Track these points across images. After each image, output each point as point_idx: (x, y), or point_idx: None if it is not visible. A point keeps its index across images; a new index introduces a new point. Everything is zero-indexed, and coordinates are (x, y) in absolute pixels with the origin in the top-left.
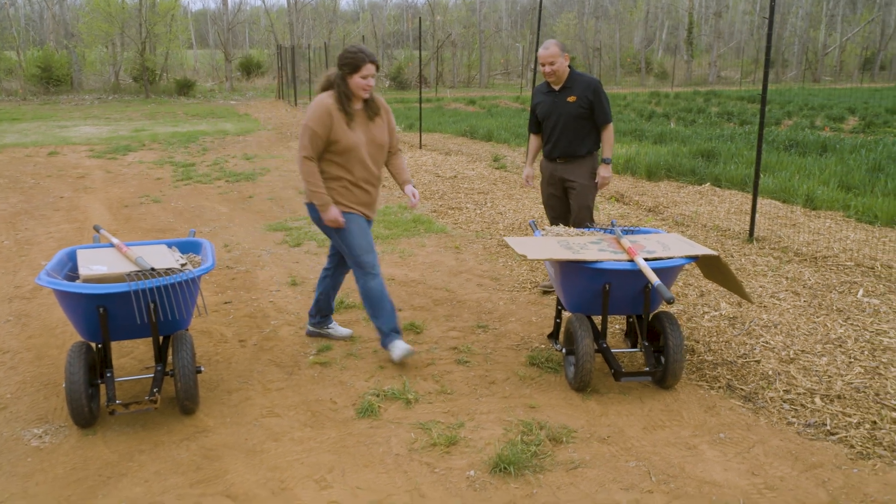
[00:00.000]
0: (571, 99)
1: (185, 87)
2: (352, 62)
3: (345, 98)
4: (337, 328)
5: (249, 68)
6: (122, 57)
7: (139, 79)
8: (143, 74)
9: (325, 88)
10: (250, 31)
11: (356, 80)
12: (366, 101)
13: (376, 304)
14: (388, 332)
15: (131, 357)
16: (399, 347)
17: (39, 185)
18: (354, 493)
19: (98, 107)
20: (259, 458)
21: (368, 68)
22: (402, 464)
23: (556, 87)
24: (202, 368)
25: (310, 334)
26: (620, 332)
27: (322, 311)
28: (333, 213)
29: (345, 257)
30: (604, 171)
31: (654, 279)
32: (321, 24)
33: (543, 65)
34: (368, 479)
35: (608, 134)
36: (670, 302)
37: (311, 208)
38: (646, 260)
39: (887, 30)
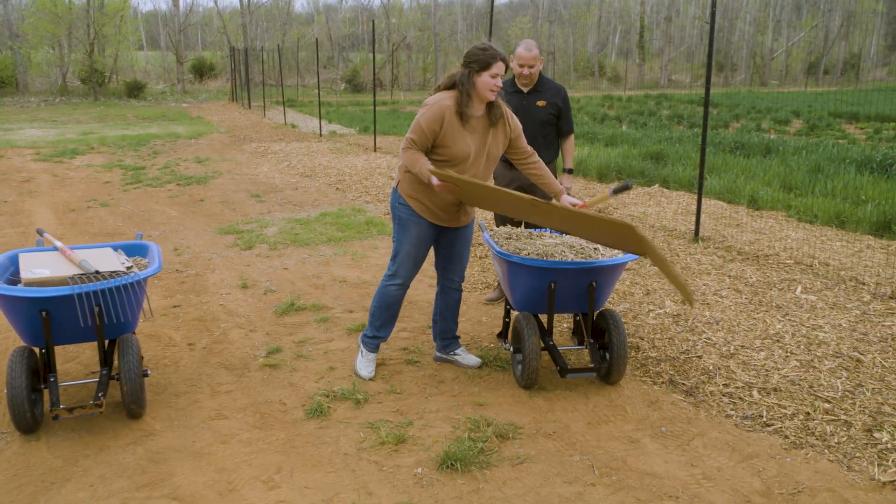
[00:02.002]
0: (541, 103)
1: (135, 90)
2: (482, 59)
3: (466, 98)
4: (465, 356)
5: (202, 70)
6: (69, 58)
7: (87, 81)
8: (92, 76)
9: (446, 87)
10: (203, 32)
11: (484, 80)
12: (489, 107)
13: (380, 307)
14: (370, 337)
15: (76, 362)
16: (363, 365)
17: None
18: (302, 493)
19: (44, 109)
20: (206, 460)
21: (499, 66)
22: (351, 463)
23: (525, 89)
24: (149, 372)
25: (436, 359)
26: (568, 331)
27: (443, 334)
28: (434, 182)
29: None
30: (566, 181)
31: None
32: (275, 26)
33: (522, 66)
34: (316, 479)
35: (571, 143)
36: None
37: (394, 192)
38: (593, 258)
39: (830, 35)
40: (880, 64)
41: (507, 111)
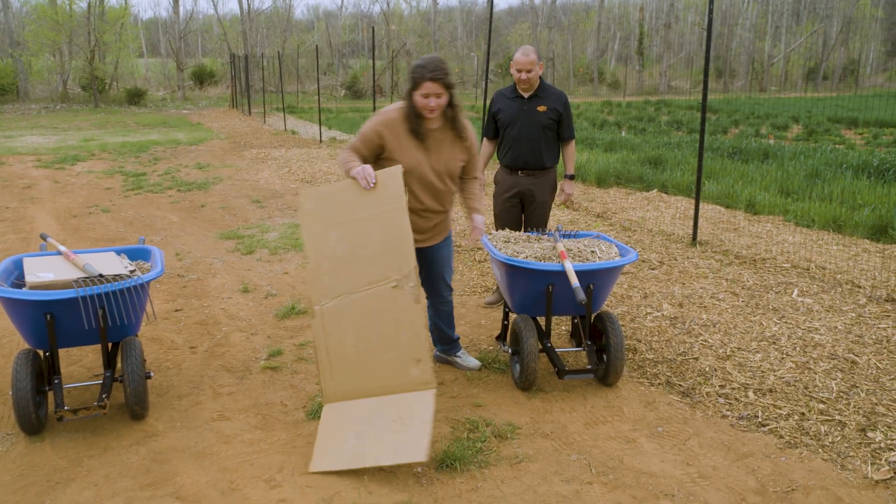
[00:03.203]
0: (542, 108)
1: (135, 97)
2: (411, 77)
3: (412, 115)
4: (465, 358)
5: (202, 77)
6: (70, 66)
7: (88, 88)
8: (92, 83)
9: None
10: (203, 39)
11: (417, 99)
12: (452, 122)
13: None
14: (439, 351)
15: (80, 365)
16: (467, 360)
17: None
18: (303, 492)
19: (45, 116)
20: (209, 460)
21: (428, 87)
22: None
23: (525, 95)
24: (152, 374)
25: (436, 359)
26: (566, 333)
27: (442, 340)
28: (360, 172)
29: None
30: (568, 187)
31: (574, 282)
32: (275, 32)
33: (521, 70)
34: (317, 478)
35: (572, 149)
36: (580, 303)
37: None
38: (585, 262)
39: (829, 41)
40: (879, 70)
41: (470, 129)
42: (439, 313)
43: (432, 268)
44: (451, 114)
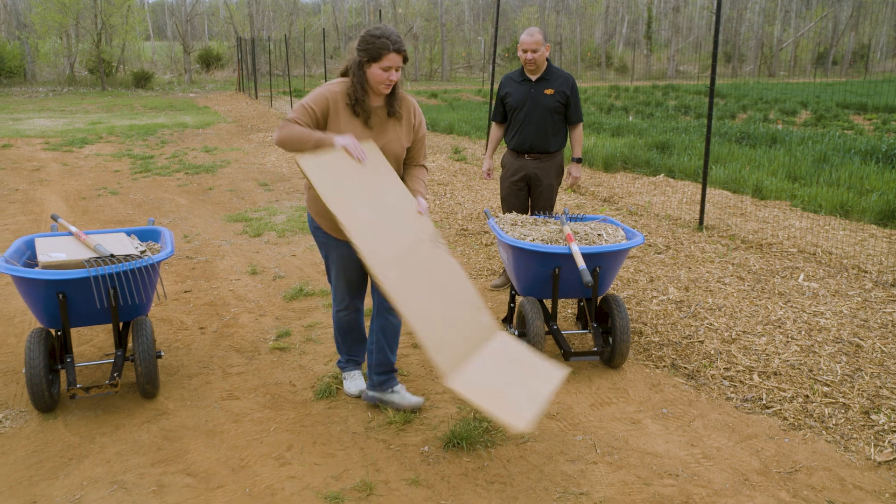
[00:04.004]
0: (549, 91)
1: (142, 80)
2: (371, 49)
3: (360, 89)
4: (404, 394)
5: (209, 61)
6: (76, 48)
7: (95, 71)
8: (99, 66)
9: (342, 75)
10: (209, 22)
11: (375, 72)
12: (388, 98)
13: (341, 335)
14: (344, 362)
15: (91, 344)
16: (350, 385)
17: None
18: (312, 469)
19: (53, 99)
20: (219, 438)
21: (392, 59)
22: (359, 441)
23: (533, 78)
24: (162, 353)
25: (366, 399)
26: (572, 316)
27: (380, 367)
28: (343, 141)
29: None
30: (575, 171)
31: (581, 264)
32: (282, 16)
33: (526, 51)
34: (326, 456)
35: (579, 133)
36: (587, 285)
37: (311, 221)
38: (589, 245)
39: (839, 26)
40: (890, 55)
41: (417, 109)
42: (385, 326)
43: None
44: (395, 90)
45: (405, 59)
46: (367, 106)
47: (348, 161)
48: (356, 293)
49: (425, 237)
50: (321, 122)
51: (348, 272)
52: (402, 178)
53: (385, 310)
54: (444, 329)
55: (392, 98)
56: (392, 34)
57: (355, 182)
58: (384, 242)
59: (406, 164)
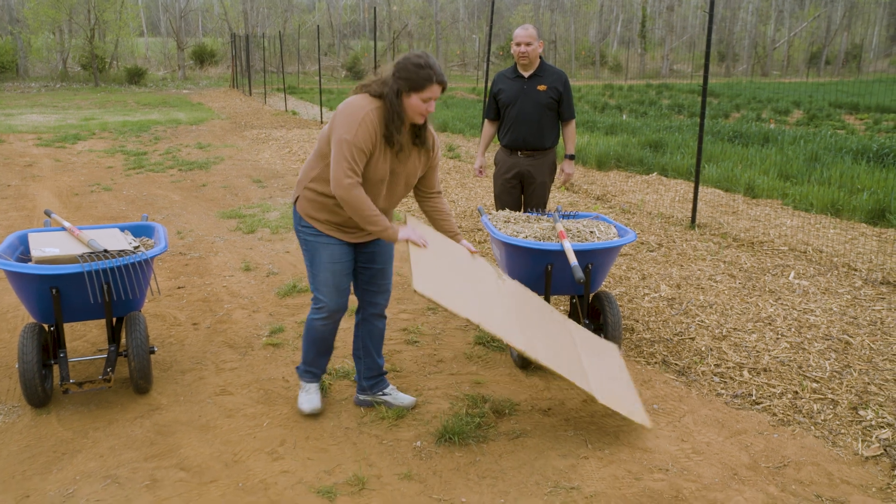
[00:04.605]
0: (542, 88)
1: (136, 76)
2: (415, 79)
3: (397, 120)
4: (397, 394)
5: (203, 57)
6: (69, 44)
7: (88, 67)
8: (93, 62)
9: (371, 93)
10: (203, 19)
11: (414, 102)
12: (417, 127)
13: (310, 343)
14: (304, 370)
15: (84, 340)
16: (304, 399)
17: None
18: (305, 464)
19: (45, 95)
20: (212, 433)
21: (434, 90)
22: (352, 436)
23: (526, 74)
24: (155, 349)
25: (358, 403)
26: (565, 313)
27: (369, 371)
28: (406, 234)
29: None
30: (568, 168)
31: (573, 261)
32: (276, 12)
33: (519, 44)
34: (319, 451)
35: (572, 129)
36: (579, 281)
37: (294, 210)
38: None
39: (832, 26)
40: (882, 55)
41: (436, 138)
42: (371, 331)
43: (374, 263)
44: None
45: (444, 90)
46: (399, 137)
47: (427, 255)
48: (342, 298)
49: (497, 278)
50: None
51: (339, 275)
52: (423, 208)
53: (373, 316)
54: (573, 363)
55: (421, 127)
56: (435, 64)
57: (446, 272)
58: (497, 312)
59: (423, 193)
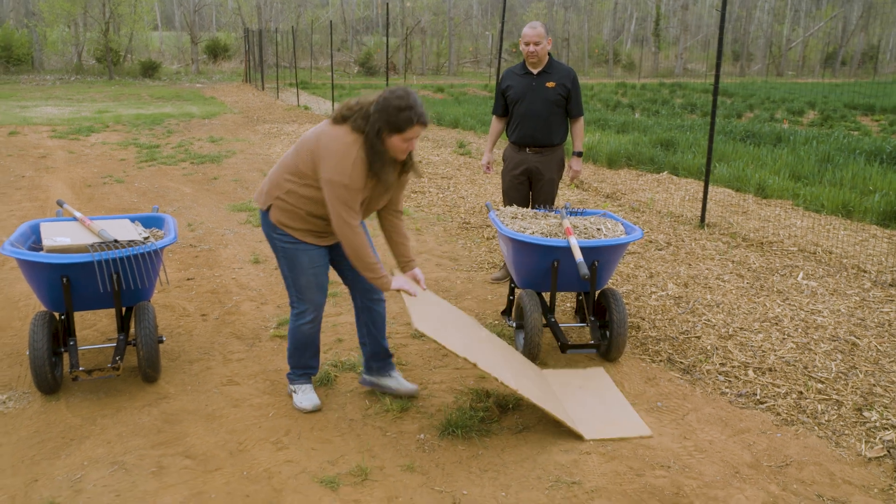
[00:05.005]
0: (550, 84)
1: (149, 69)
2: (395, 121)
3: (378, 162)
4: (400, 380)
5: (216, 51)
6: (84, 37)
7: (102, 60)
8: (107, 55)
9: (353, 127)
10: (217, 13)
11: (395, 142)
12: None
13: (297, 349)
14: (296, 375)
15: (94, 329)
16: (304, 399)
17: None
18: (309, 454)
19: (60, 87)
20: (218, 422)
21: (416, 131)
22: (356, 428)
23: (535, 71)
24: (164, 338)
25: (365, 384)
26: (571, 310)
27: (375, 355)
28: (399, 283)
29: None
30: (576, 165)
31: (578, 257)
32: (289, 7)
33: (528, 44)
34: (323, 442)
35: (580, 126)
36: (584, 277)
37: (265, 217)
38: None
39: (849, 26)
40: None
41: (414, 164)
42: (372, 314)
43: None
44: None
45: (425, 126)
46: (390, 176)
47: (418, 301)
48: (324, 295)
49: (478, 328)
50: None
51: (320, 276)
52: (381, 223)
53: (371, 301)
54: (549, 397)
55: (404, 162)
56: (417, 104)
57: (438, 317)
58: (486, 356)
59: (385, 209)
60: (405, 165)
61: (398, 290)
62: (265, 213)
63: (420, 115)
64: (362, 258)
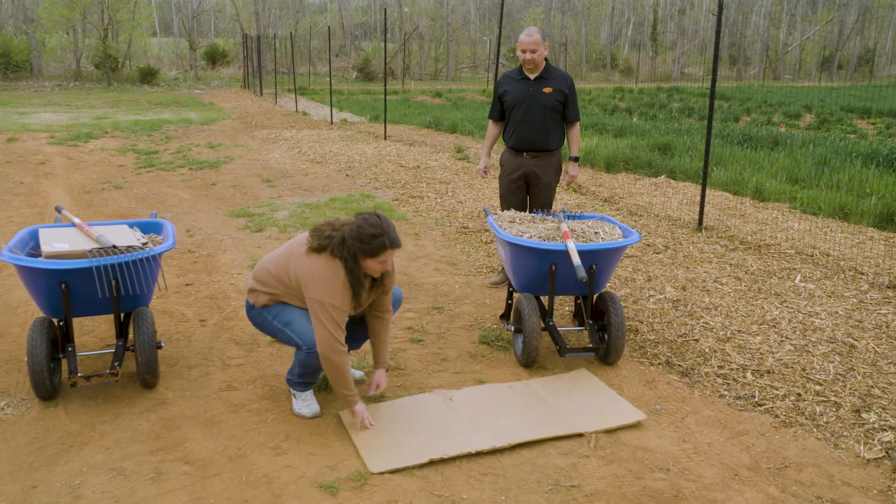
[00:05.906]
0: (547, 90)
1: (148, 76)
2: (369, 249)
3: (357, 283)
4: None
5: (214, 57)
6: (83, 44)
7: (101, 66)
8: (106, 62)
9: (333, 255)
10: (215, 19)
11: (370, 264)
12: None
13: (304, 374)
14: (297, 382)
15: (93, 335)
16: (303, 406)
17: None
18: (308, 459)
19: (58, 94)
20: (217, 427)
21: (389, 254)
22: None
23: (532, 76)
24: (162, 344)
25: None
26: (570, 314)
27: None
28: (361, 409)
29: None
30: (572, 170)
31: (576, 260)
32: (288, 13)
33: (524, 51)
34: (322, 447)
35: (577, 131)
36: (581, 281)
37: (249, 307)
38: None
39: (845, 30)
40: (895, 59)
41: (393, 270)
42: (382, 321)
43: None
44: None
45: (398, 249)
46: (365, 291)
47: (369, 434)
48: None
49: (446, 400)
50: None
51: (308, 315)
52: (368, 322)
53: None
54: (548, 417)
55: (381, 276)
56: (389, 230)
57: (394, 435)
58: (454, 430)
59: (373, 311)
60: (383, 278)
61: (354, 414)
62: (250, 305)
63: (393, 239)
64: (341, 379)
